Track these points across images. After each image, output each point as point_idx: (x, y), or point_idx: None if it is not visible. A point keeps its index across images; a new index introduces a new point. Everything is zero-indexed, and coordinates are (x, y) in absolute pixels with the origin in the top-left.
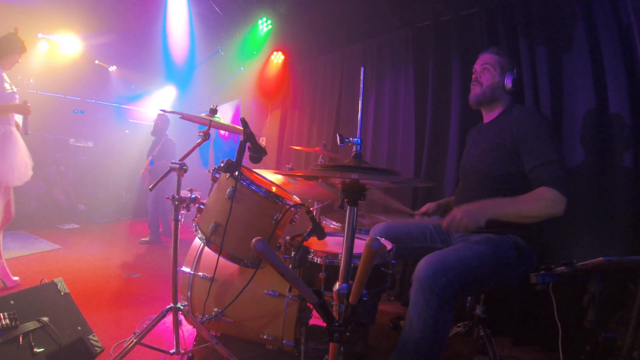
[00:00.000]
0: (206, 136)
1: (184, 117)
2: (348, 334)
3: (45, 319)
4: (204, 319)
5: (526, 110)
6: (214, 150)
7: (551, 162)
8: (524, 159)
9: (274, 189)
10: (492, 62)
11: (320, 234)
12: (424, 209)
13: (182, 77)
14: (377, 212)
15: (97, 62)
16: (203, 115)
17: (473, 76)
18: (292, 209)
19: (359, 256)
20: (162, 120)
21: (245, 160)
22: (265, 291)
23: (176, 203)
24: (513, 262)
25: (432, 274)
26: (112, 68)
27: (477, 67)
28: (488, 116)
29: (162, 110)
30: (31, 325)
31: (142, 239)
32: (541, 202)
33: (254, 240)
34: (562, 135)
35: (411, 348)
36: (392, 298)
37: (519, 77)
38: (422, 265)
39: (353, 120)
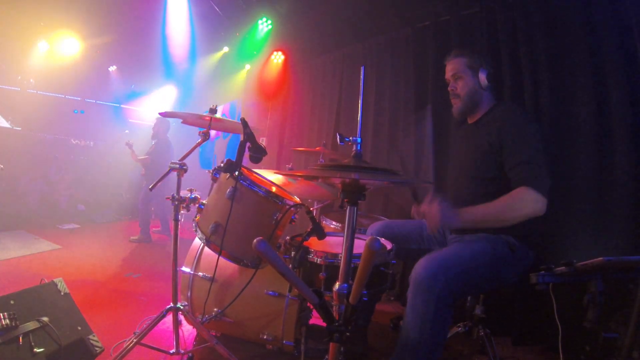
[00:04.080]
0: (206, 136)
1: (183, 117)
2: (348, 334)
3: (45, 319)
4: (204, 319)
5: (508, 109)
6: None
7: (530, 160)
8: (504, 158)
9: (274, 189)
10: (461, 68)
11: (320, 234)
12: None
13: (182, 77)
14: (377, 212)
15: (97, 62)
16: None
17: (449, 88)
18: (292, 209)
19: (359, 256)
20: (160, 124)
21: (245, 160)
22: (266, 291)
23: (176, 203)
24: (509, 261)
25: (430, 275)
26: (112, 68)
27: (448, 77)
28: (472, 117)
29: (160, 113)
30: (31, 325)
31: (132, 238)
32: (516, 204)
33: (255, 240)
34: (562, 135)
35: (410, 351)
36: (392, 298)
37: (517, 74)
38: (420, 266)
39: (353, 120)
